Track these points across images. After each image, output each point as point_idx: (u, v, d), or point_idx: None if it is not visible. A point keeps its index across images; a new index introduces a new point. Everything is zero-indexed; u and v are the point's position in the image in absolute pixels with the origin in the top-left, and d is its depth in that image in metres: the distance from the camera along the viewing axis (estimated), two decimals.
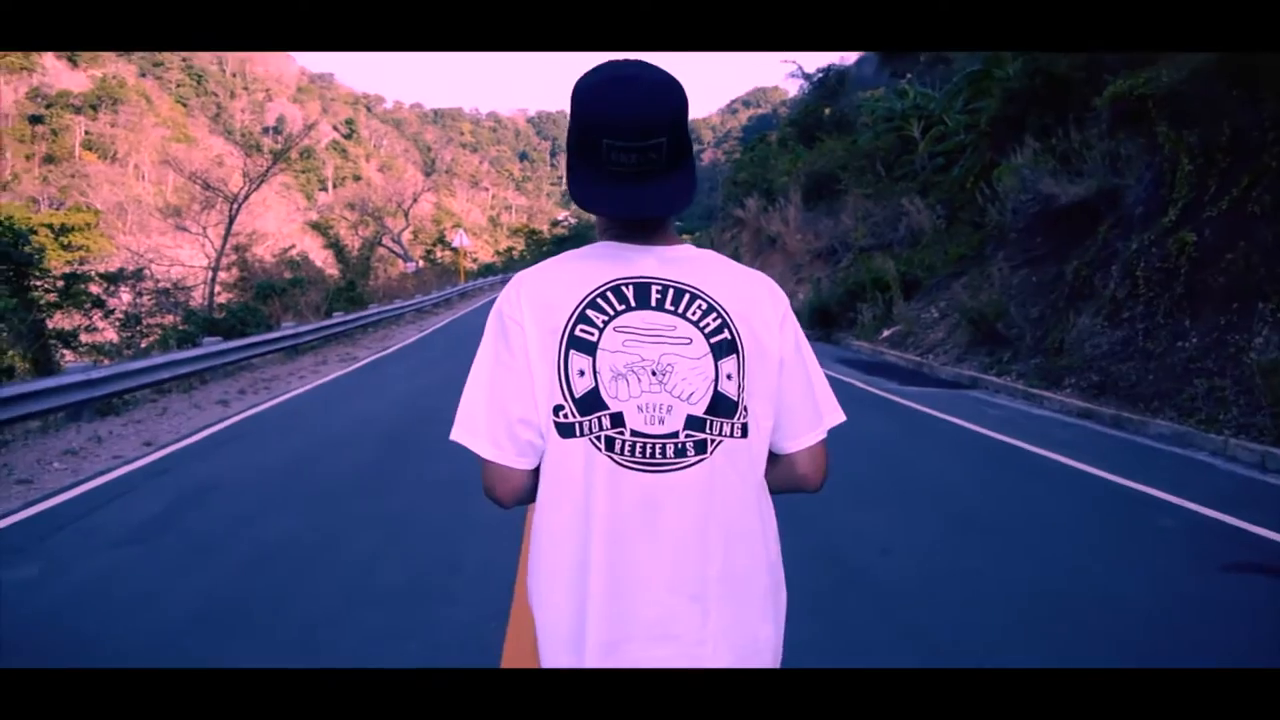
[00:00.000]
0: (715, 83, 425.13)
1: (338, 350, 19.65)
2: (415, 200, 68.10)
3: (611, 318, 1.39)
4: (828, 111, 38.39)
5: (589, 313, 1.39)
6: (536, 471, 1.44)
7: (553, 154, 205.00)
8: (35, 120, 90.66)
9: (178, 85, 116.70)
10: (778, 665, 1.51)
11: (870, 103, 29.36)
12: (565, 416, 1.37)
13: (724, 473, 1.41)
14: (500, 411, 1.40)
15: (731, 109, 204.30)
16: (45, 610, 4.47)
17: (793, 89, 66.87)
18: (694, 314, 1.42)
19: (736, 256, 38.19)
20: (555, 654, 1.42)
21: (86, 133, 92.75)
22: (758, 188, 36.71)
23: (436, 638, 4.03)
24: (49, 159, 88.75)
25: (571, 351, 1.37)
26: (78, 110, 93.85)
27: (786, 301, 1.55)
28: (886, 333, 18.44)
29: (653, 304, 1.41)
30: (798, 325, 1.55)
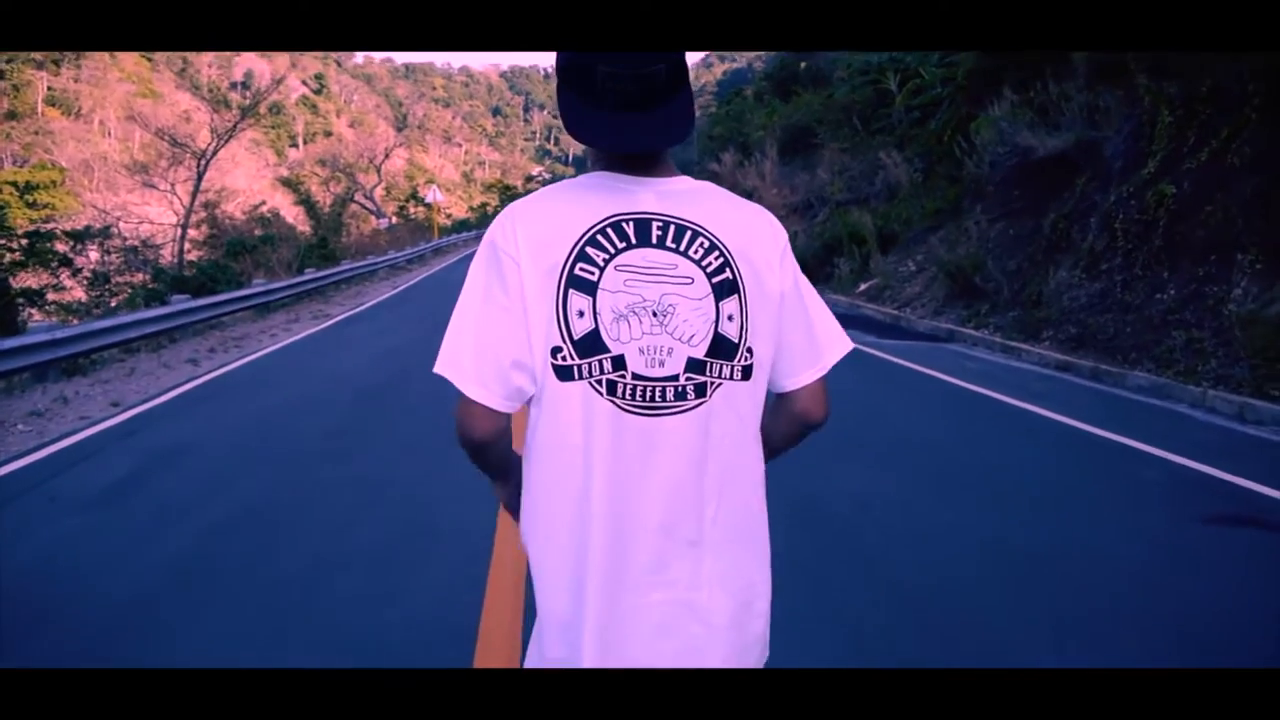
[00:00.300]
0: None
1: (310, 307, 19.39)
2: (387, 156, 67.36)
3: (612, 256, 1.32)
4: (803, 65, 37.98)
5: (589, 250, 1.32)
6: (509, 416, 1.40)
7: (526, 109, 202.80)
8: None
9: None
10: (769, 611, 1.53)
11: (846, 56, 29.03)
12: (564, 359, 1.32)
13: (722, 416, 1.39)
14: (490, 351, 1.33)
15: (706, 63, 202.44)
16: (7, 575, 4.34)
17: None
18: (696, 252, 1.36)
19: None
20: (555, 598, 1.39)
21: (49, 89, 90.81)
22: (733, 142, 36.44)
23: (412, 601, 3.93)
24: (10, 115, 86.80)
25: (571, 291, 1.31)
26: (39, 66, 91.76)
27: (786, 236, 1.50)
28: (863, 286, 18.39)
29: (653, 241, 1.35)
30: (795, 261, 1.50)
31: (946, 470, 6.01)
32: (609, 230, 1.34)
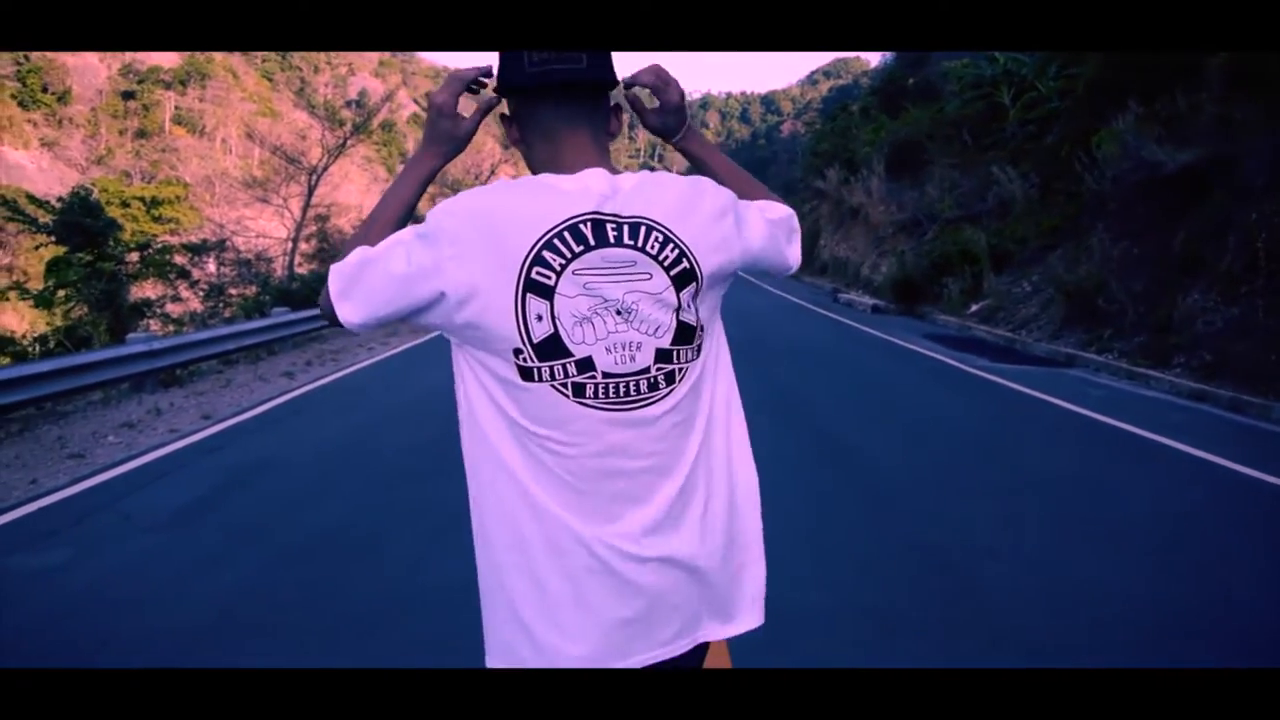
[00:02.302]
0: (795, 54, 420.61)
1: None
2: (493, 171, 68.15)
3: (569, 260, 1.33)
4: (911, 80, 37.21)
5: (545, 254, 1.33)
6: None
7: (632, 125, 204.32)
8: (128, 96, 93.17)
9: (263, 60, 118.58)
10: (761, 574, 1.56)
11: (958, 69, 28.20)
12: (525, 360, 1.34)
13: (691, 399, 1.44)
14: (374, 283, 1.39)
15: (811, 80, 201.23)
16: (64, 601, 4.15)
17: (874, 59, 65.36)
18: (652, 247, 1.38)
19: (816, 230, 37.42)
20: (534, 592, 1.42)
21: (176, 108, 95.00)
22: (839, 159, 35.85)
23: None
24: (140, 134, 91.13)
25: (528, 295, 1.32)
26: (168, 86, 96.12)
27: (728, 195, 1.52)
28: (975, 307, 17.66)
29: (610, 241, 1.36)
30: (732, 197, 1.53)
31: (1078, 513, 5.41)
32: (565, 234, 1.34)
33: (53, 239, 16.04)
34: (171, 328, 17.11)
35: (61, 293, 14.82)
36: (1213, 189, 12.26)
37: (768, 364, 11.14)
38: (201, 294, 21.32)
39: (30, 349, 13.96)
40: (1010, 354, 13.48)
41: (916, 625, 3.80)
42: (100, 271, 14.92)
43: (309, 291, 20.06)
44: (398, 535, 5.04)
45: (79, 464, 6.79)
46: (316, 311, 15.46)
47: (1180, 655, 3.52)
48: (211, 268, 23.69)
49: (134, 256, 16.91)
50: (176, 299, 20.03)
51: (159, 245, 18.21)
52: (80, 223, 14.90)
